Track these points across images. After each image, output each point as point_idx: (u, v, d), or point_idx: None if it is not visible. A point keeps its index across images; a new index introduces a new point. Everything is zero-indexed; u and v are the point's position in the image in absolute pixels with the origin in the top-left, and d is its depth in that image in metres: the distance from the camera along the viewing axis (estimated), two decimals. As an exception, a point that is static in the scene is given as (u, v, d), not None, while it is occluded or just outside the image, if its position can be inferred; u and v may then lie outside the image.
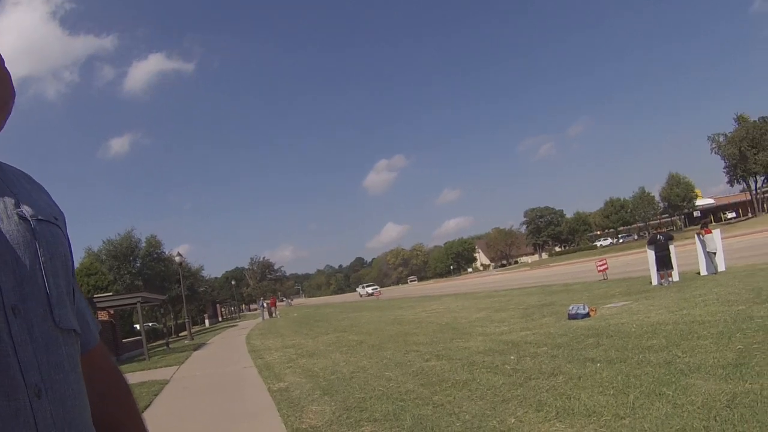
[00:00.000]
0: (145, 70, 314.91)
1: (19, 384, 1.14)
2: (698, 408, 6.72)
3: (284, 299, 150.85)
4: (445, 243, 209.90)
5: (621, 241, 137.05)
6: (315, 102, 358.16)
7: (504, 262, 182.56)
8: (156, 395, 15.02)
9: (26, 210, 1.35)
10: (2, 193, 1.34)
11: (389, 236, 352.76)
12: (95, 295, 36.91)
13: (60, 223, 1.47)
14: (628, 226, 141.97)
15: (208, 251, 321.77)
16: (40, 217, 1.37)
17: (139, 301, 33.61)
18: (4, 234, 1.25)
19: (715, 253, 24.24)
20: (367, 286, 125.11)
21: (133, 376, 20.03)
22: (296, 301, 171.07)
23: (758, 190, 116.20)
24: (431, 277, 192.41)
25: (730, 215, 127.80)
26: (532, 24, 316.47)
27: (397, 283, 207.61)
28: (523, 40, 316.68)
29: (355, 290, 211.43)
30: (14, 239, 1.26)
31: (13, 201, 1.34)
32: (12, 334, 1.15)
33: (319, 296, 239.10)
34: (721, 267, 24.03)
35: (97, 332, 1.66)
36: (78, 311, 1.50)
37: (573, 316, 17.23)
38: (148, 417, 12.17)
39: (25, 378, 1.15)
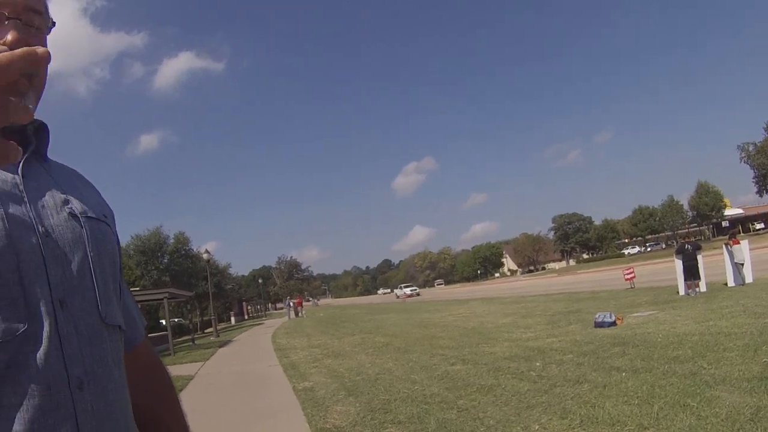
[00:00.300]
0: (175, 67, 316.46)
1: (62, 375, 1.17)
2: (722, 420, 6.72)
3: (311, 299, 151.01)
4: (473, 247, 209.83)
5: (649, 249, 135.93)
6: (347, 104, 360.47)
7: (531, 267, 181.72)
8: (181, 390, 15.11)
9: (76, 207, 1.39)
10: (53, 190, 1.37)
11: (416, 239, 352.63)
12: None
13: (109, 221, 1.52)
14: (656, 235, 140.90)
15: (236, 249, 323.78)
16: (90, 215, 1.41)
17: (166, 297, 33.74)
18: (55, 230, 1.29)
19: (743, 264, 24.01)
20: (406, 287, 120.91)
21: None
22: (323, 301, 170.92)
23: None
24: (458, 281, 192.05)
25: (758, 226, 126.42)
26: (561, 29, 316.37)
27: (424, 286, 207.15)
28: (553, 44, 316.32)
29: (377, 292, 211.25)
30: (64, 235, 1.30)
31: (63, 197, 1.38)
32: (58, 326, 1.19)
33: (346, 297, 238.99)
34: (749, 278, 23.83)
35: (143, 328, 1.71)
36: (125, 307, 1.55)
37: (599, 324, 17.16)
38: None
39: (68, 370, 1.18)
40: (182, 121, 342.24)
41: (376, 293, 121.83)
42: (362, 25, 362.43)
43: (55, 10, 1.42)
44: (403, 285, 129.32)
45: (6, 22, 1.27)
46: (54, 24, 1.41)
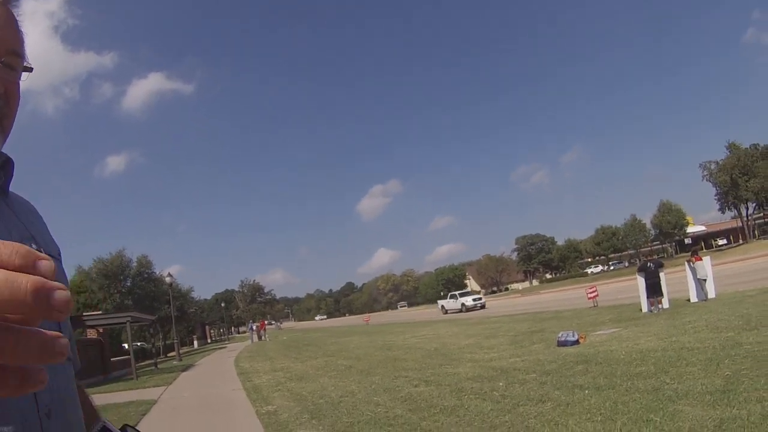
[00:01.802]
0: (145, 89, 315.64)
1: (32, 404, 1.20)
2: (685, 435, 6.72)
3: (273, 322, 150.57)
4: (436, 269, 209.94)
5: (612, 268, 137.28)
6: (312, 127, 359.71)
7: (494, 288, 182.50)
8: (144, 415, 14.99)
9: (40, 244, 1.43)
10: (19, 227, 1.40)
11: (380, 262, 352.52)
12: (84, 313, 36.86)
13: (59, 257, 1.56)
14: (619, 254, 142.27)
15: (199, 273, 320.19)
16: (50, 252, 1.43)
17: (128, 321, 33.60)
18: None
19: (705, 280, 24.30)
20: (466, 294, 78.38)
21: (121, 395, 19.95)
22: (286, 324, 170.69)
23: (749, 217, 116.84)
24: (422, 303, 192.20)
25: (721, 242, 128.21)
26: (526, 56, 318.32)
27: (387, 309, 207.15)
28: (518, 71, 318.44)
29: (345, 315, 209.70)
30: None
31: (28, 234, 1.41)
32: None
33: (309, 320, 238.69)
34: (711, 294, 24.09)
35: (77, 359, 1.71)
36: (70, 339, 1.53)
37: (562, 343, 17.22)
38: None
39: (38, 400, 1.21)
40: (150, 143, 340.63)
41: (438, 304, 76.28)
42: (329, 53, 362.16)
43: (27, 27, 1.40)
44: (459, 292, 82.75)
45: None
46: (31, 69, 1.41)
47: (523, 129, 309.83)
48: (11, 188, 1.51)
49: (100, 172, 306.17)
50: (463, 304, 71.92)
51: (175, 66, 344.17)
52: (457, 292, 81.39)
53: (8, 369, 0.67)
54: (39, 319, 0.68)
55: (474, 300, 72.99)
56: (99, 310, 47.06)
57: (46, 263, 0.69)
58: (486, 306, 71.20)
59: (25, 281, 0.65)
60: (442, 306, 79.11)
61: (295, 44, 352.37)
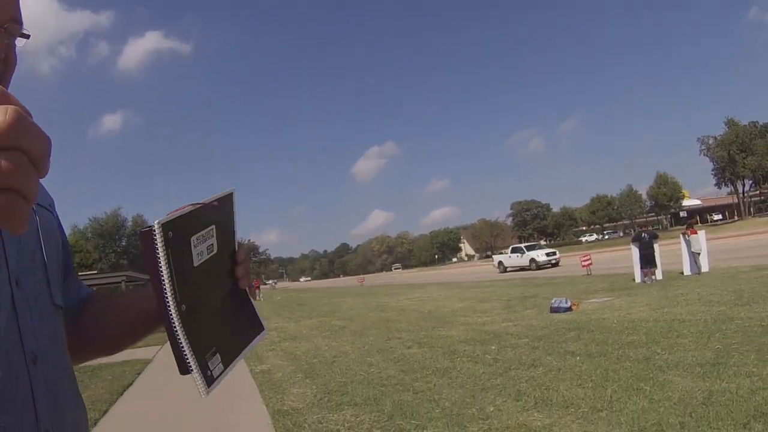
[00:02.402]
0: (142, 48, 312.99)
1: (18, 349, 1.19)
2: (674, 404, 6.80)
3: (268, 282, 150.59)
4: (431, 232, 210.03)
5: (606, 237, 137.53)
6: (308, 88, 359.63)
7: (489, 253, 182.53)
8: (139, 374, 15.02)
9: None
10: None
11: (375, 223, 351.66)
12: (79, 273, 36.88)
13: (52, 208, 1.56)
14: (614, 223, 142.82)
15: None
16: (40, 203, 1.44)
17: (123, 280, 33.57)
18: None
19: (699, 254, 24.36)
20: (535, 248, 60.85)
21: (117, 355, 19.97)
22: (280, 284, 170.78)
23: (745, 194, 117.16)
24: (416, 266, 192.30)
25: (716, 217, 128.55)
26: (527, 18, 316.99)
27: (381, 271, 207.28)
28: (519, 33, 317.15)
29: (339, 276, 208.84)
30: None
31: None
32: (15, 303, 1.21)
33: (303, 280, 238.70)
34: (705, 268, 24.17)
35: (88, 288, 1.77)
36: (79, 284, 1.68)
37: (555, 310, 17.33)
38: (131, 395, 12.22)
39: (24, 345, 1.21)
40: (145, 103, 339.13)
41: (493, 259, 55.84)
42: (329, 12, 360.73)
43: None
44: (525, 245, 63.61)
45: None
46: (28, 36, 1.42)
47: (523, 94, 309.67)
48: None
49: (95, 132, 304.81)
50: (533, 260, 56.75)
51: (173, 24, 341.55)
52: (522, 245, 63.74)
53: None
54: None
55: (548, 255, 57.37)
56: (94, 270, 47.04)
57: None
58: (560, 264, 56.29)
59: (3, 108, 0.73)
60: (500, 262, 63.44)
61: (293, 1, 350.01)
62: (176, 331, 1.21)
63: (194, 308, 1.26)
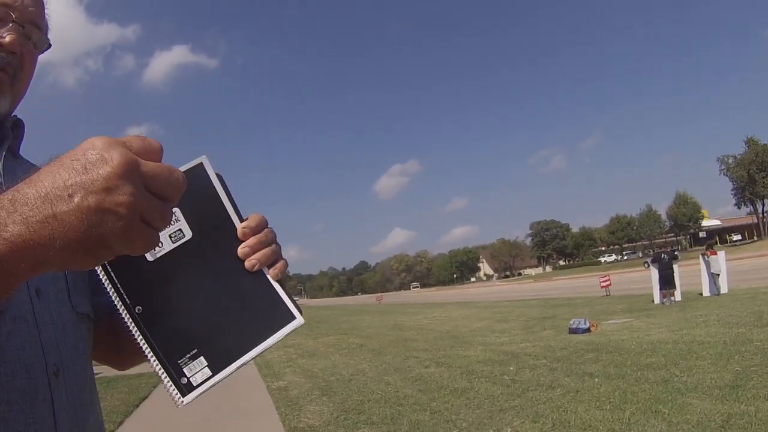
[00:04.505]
0: (168, 61, 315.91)
1: (40, 361, 1.18)
2: (693, 427, 6.77)
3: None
4: (450, 251, 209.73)
5: (625, 257, 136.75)
6: (334, 104, 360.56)
7: (507, 273, 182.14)
8: (155, 387, 15.05)
9: None
10: None
11: (395, 241, 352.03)
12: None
13: None
14: (634, 243, 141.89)
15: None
16: None
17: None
18: None
19: (719, 275, 24.19)
20: None
21: (132, 369, 20.00)
22: (300, 301, 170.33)
23: (765, 214, 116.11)
24: (434, 285, 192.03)
25: (735, 237, 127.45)
26: (550, 35, 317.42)
27: (400, 289, 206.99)
28: (542, 50, 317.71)
29: (357, 293, 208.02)
30: None
31: None
32: (35, 314, 1.20)
33: (321, 297, 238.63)
34: (724, 289, 24.00)
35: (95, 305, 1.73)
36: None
37: (574, 330, 17.25)
38: (146, 409, 12.22)
39: (46, 357, 1.19)
40: (170, 116, 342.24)
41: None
42: (353, 29, 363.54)
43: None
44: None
45: (10, 24, 1.28)
46: (49, 46, 1.42)
47: (544, 111, 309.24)
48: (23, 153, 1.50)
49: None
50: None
51: (200, 39, 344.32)
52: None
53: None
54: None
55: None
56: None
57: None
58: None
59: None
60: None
61: (319, 17, 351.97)
62: (135, 335, 1.09)
63: (156, 308, 1.11)
